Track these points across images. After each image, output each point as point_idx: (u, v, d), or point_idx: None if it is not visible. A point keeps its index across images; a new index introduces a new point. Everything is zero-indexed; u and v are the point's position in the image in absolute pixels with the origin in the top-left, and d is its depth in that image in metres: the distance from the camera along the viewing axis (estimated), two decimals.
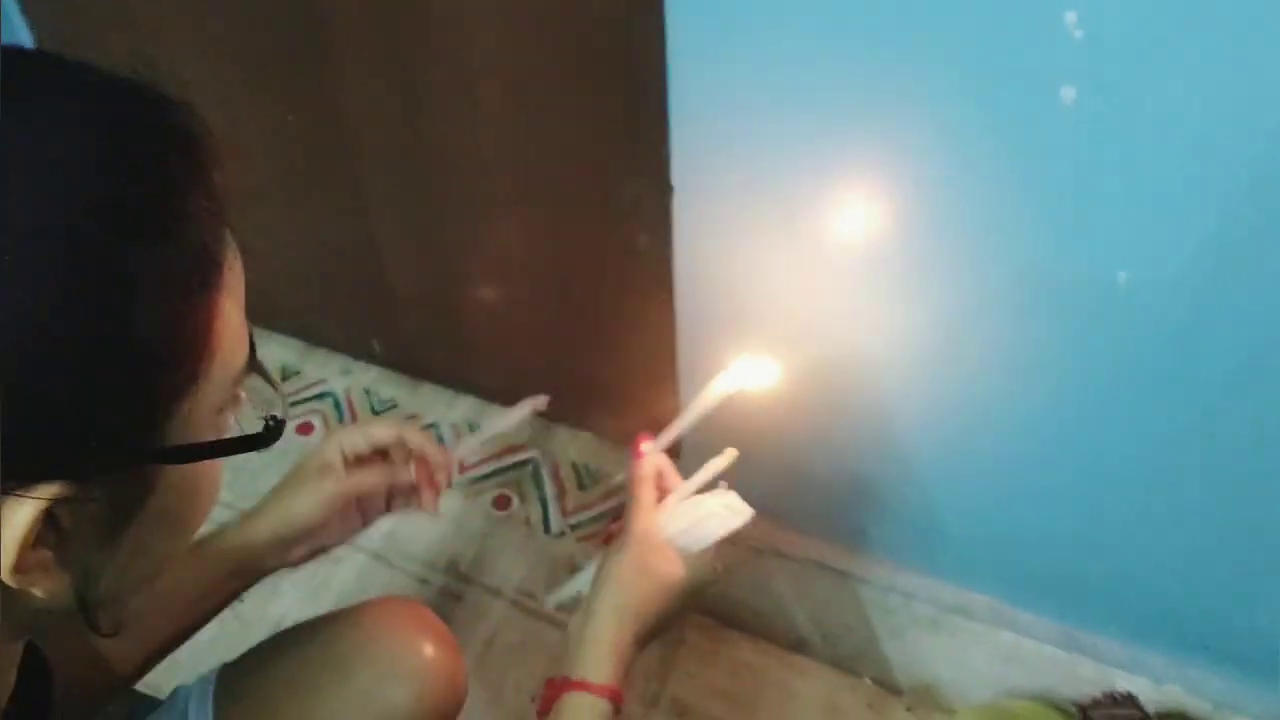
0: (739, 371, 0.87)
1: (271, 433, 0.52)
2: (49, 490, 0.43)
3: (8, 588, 0.44)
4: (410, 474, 0.89)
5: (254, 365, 0.51)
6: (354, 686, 0.82)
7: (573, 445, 1.44)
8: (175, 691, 0.89)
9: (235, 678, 0.85)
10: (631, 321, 1.20)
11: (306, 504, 0.84)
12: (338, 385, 1.56)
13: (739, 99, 0.80)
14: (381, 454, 0.88)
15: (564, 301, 1.27)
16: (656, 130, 0.87)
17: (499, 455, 1.44)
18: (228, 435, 0.51)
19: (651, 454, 0.86)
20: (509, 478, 1.42)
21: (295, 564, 0.88)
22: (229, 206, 0.47)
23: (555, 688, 0.75)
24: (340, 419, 1.51)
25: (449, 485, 0.92)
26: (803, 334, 0.94)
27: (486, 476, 1.42)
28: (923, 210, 0.80)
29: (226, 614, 1.28)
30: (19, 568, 0.44)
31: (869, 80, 0.74)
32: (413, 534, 1.36)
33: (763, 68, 0.77)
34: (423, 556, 1.34)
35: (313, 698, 0.82)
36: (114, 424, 0.44)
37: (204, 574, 0.84)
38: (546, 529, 1.36)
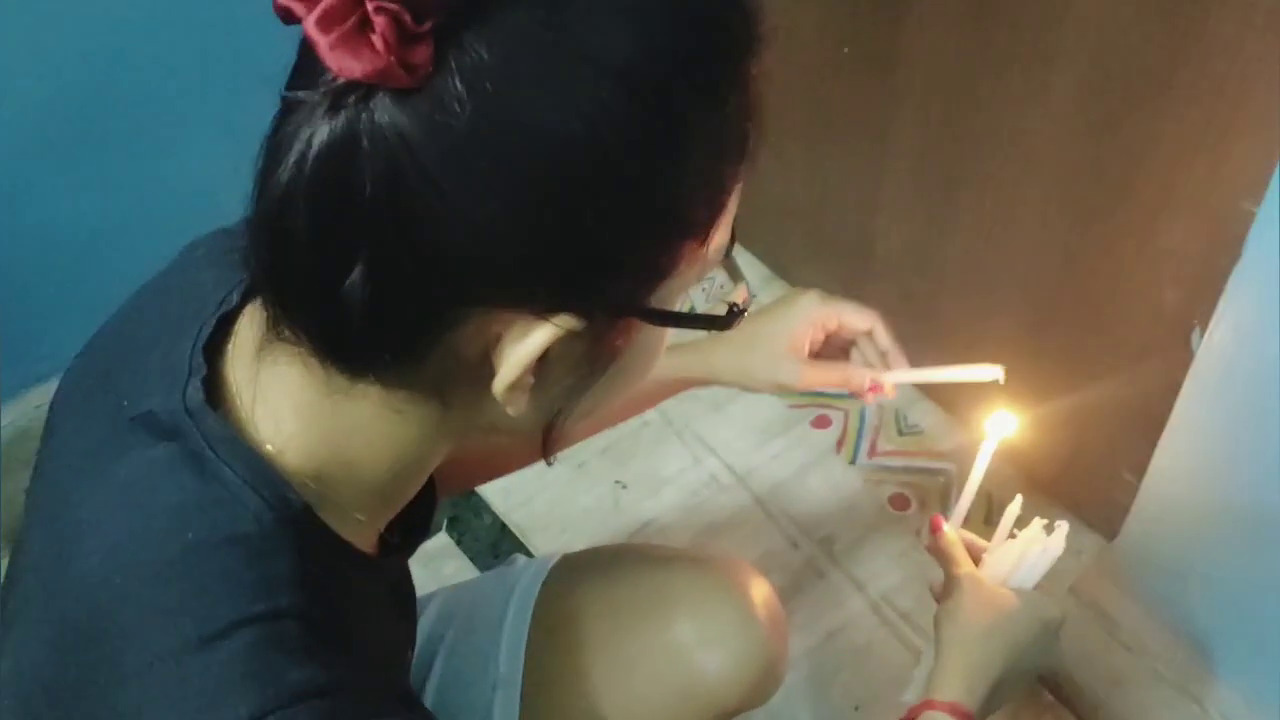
0: (997, 429, 0.85)
1: (734, 317, 0.53)
2: (564, 320, 0.46)
3: (487, 397, 0.48)
4: (861, 380, 0.84)
5: (731, 253, 0.53)
6: (671, 637, 0.80)
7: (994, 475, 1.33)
8: (514, 559, 0.92)
9: (569, 575, 0.85)
10: (1121, 378, 1.06)
11: (768, 378, 0.84)
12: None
13: None
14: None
15: (1056, 323, 1.15)
16: (1253, 169, 0.73)
17: (916, 454, 1.36)
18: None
19: (949, 528, 0.84)
20: (917, 480, 1.33)
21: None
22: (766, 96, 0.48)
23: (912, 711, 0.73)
24: None
25: (891, 396, 0.87)
26: None
27: (896, 469, 1.34)
28: None
29: (605, 496, 1.33)
30: (514, 384, 0.47)
31: None
32: (803, 494, 1.32)
33: None
34: (804, 520, 1.30)
35: (626, 632, 0.81)
36: (631, 269, 0.47)
37: (655, 383, 0.83)
38: None
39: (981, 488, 0.85)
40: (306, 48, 0.41)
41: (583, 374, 0.50)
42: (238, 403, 0.51)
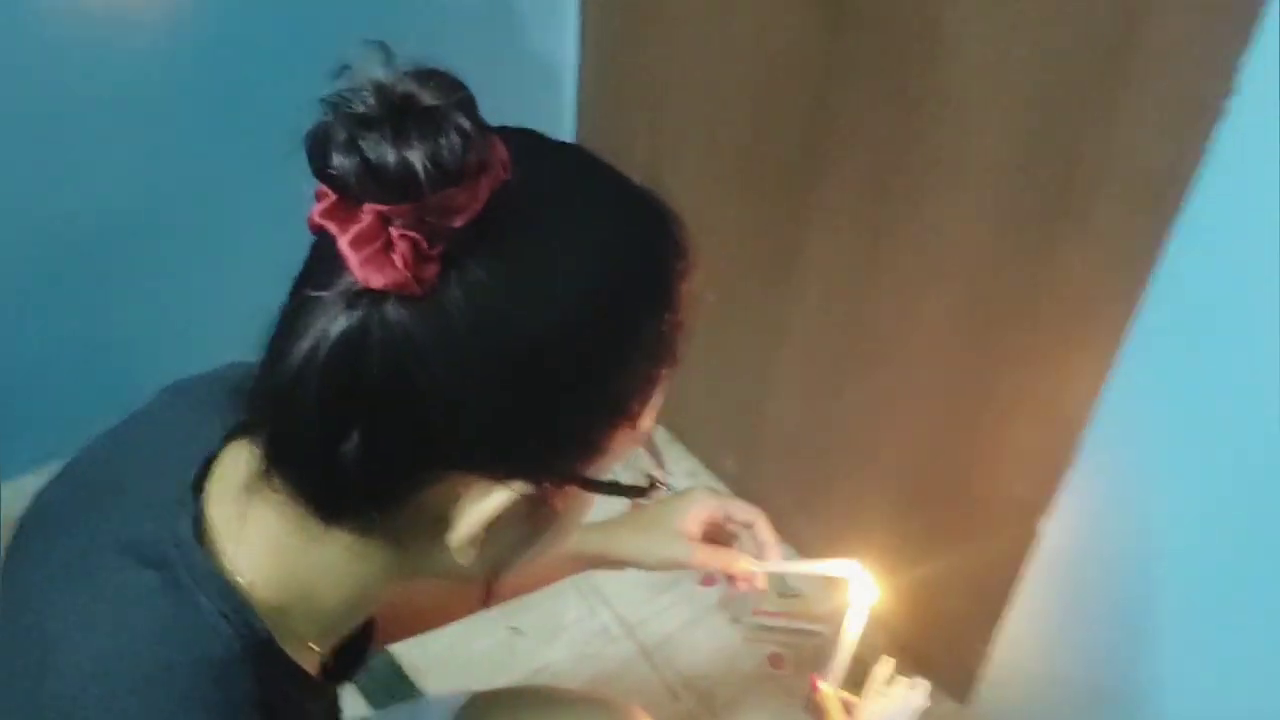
0: (860, 595, 0.94)
1: (651, 489, 0.62)
2: (518, 486, 0.54)
3: (439, 545, 0.55)
4: (746, 564, 0.95)
5: (651, 437, 0.62)
6: None
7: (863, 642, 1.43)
8: (421, 698, 0.98)
9: (479, 712, 0.92)
10: (976, 555, 1.19)
11: (662, 555, 0.94)
12: (679, 484, 1.64)
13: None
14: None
15: (922, 504, 1.28)
16: (1089, 386, 0.87)
17: (794, 616, 1.46)
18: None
19: (825, 686, 0.94)
20: (794, 640, 1.43)
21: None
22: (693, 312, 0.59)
23: None
24: None
25: (762, 588, 0.97)
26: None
27: (776, 630, 1.44)
28: None
29: (502, 641, 1.39)
30: (470, 538, 0.55)
31: None
32: (689, 647, 1.41)
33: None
34: (686, 673, 1.38)
35: None
36: (577, 446, 0.56)
37: (557, 560, 0.90)
38: (808, 708, 1.35)
39: (854, 653, 0.96)
40: (320, 254, 0.50)
41: (524, 531, 0.58)
42: (217, 538, 0.57)
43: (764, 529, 0.96)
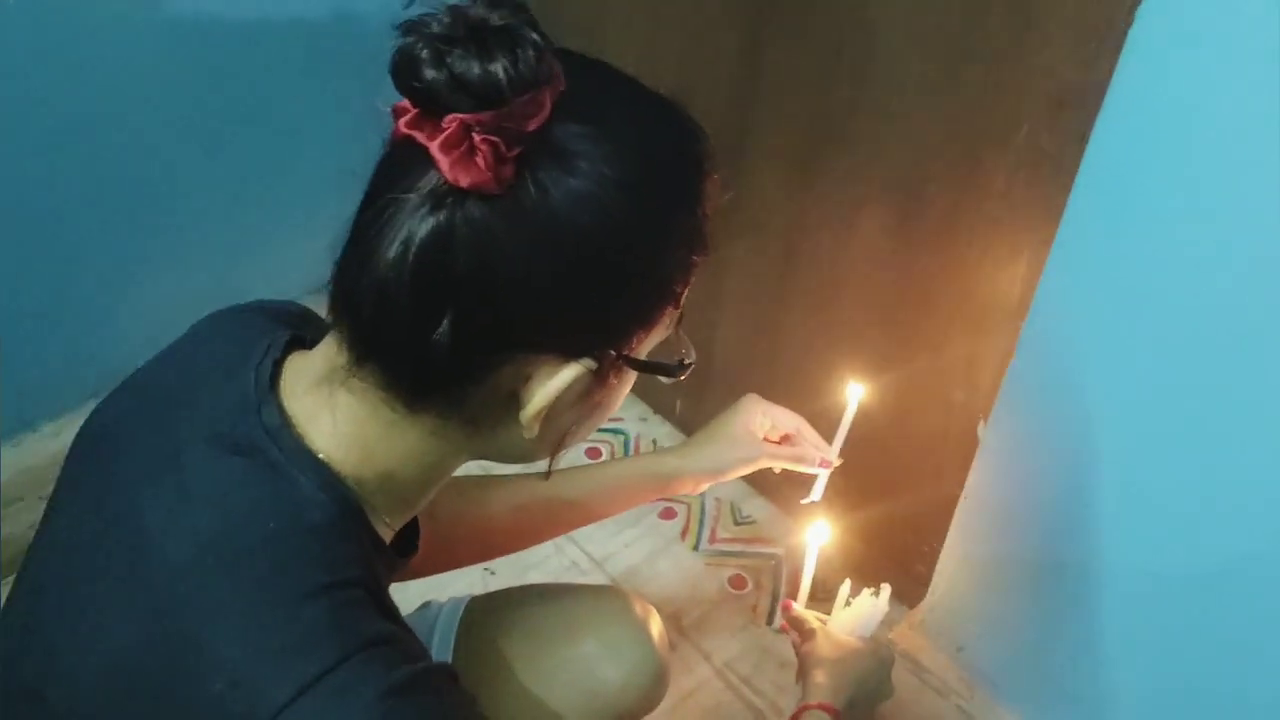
0: (815, 537, 1.08)
1: (685, 367, 0.69)
2: (583, 364, 0.61)
3: (506, 424, 0.63)
4: (812, 455, 1.04)
5: (680, 321, 0.69)
6: (578, 651, 0.94)
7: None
8: (428, 604, 1.04)
9: (482, 610, 0.99)
10: (922, 465, 1.27)
11: (735, 458, 1.02)
12: (631, 429, 1.71)
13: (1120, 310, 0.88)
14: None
15: (865, 421, 1.36)
16: (1020, 294, 0.95)
17: (750, 540, 1.54)
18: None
19: (797, 606, 1.08)
20: (752, 563, 1.51)
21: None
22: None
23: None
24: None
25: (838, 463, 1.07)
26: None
27: (735, 554, 1.52)
28: None
29: (475, 582, 1.44)
30: (538, 413, 0.62)
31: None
32: (654, 575, 1.48)
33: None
34: (654, 598, 1.43)
35: (540, 650, 0.94)
36: (632, 325, 0.63)
37: (636, 484, 1.02)
38: (769, 621, 1.44)
39: (815, 576, 1.09)
40: (395, 162, 0.57)
41: (581, 409, 0.65)
42: (298, 426, 0.64)
43: (808, 430, 1.06)
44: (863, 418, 1.15)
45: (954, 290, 1.15)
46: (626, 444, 1.68)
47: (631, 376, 0.67)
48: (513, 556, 1.44)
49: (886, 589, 1.07)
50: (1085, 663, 1.08)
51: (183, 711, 0.56)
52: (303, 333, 0.70)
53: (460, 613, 0.97)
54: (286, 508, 0.60)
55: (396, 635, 0.59)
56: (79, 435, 0.71)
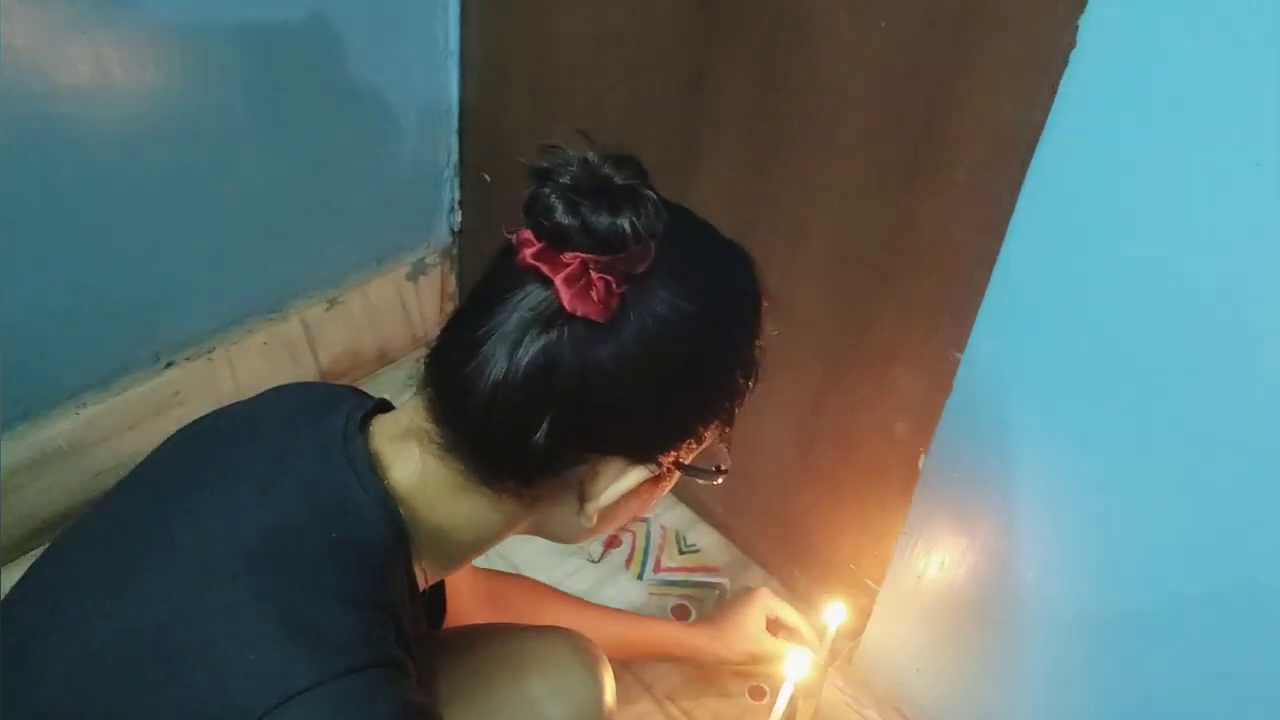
0: (794, 670, 1.15)
1: (723, 473, 0.78)
2: (649, 468, 0.72)
3: (560, 509, 0.74)
4: (802, 663, 1.15)
5: (727, 437, 0.78)
6: (524, 692, 0.94)
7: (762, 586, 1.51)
8: None
9: (430, 645, 0.96)
10: (864, 497, 1.27)
11: (742, 650, 1.26)
12: None
13: (1059, 343, 0.88)
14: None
15: (807, 457, 1.36)
16: (958, 330, 0.96)
17: (695, 569, 1.53)
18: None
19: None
20: (696, 592, 1.50)
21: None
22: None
23: None
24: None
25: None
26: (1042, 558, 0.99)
27: (678, 583, 1.51)
28: None
29: None
30: (599, 508, 0.72)
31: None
32: (599, 603, 1.45)
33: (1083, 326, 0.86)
34: None
35: (485, 688, 0.94)
36: (692, 438, 0.73)
37: (667, 647, 1.26)
38: None
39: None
40: (508, 277, 0.66)
41: (633, 502, 0.75)
42: (377, 464, 0.72)
43: (807, 630, 1.28)
44: (818, 434, 1.17)
45: (893, 327, 1.16)
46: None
47: (676, 478, 0.76)
48: None
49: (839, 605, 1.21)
50: (1021, 699, 1.09)
51: (210, 674, 0.61)
52: (383, 400, 0.78)
53: None
54: (349, 523, 0.68)
55: (407, 664, 0.68)
56: (171, 438, 0.78)
